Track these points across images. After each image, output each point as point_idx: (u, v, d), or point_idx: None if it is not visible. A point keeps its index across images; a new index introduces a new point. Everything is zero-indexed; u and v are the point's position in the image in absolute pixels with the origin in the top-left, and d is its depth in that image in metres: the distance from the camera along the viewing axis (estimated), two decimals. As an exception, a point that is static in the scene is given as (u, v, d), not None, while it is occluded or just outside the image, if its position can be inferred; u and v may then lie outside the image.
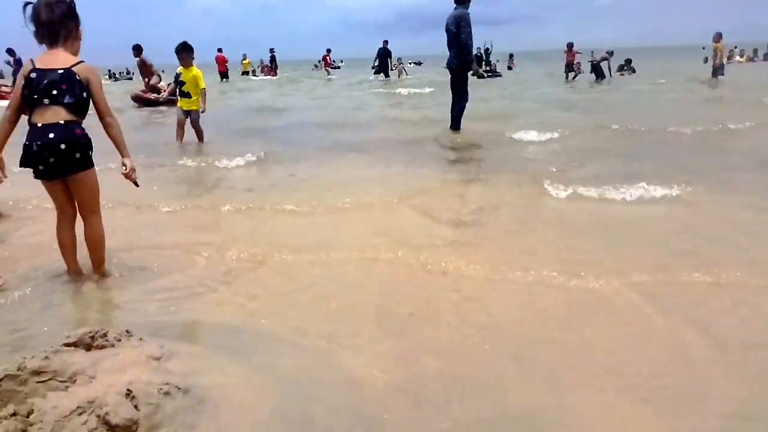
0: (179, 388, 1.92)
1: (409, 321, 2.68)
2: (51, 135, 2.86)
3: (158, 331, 2.54)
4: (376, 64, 26.19)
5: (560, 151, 7.00)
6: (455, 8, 8.19)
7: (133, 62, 15.13)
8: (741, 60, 31.81)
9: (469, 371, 2.23)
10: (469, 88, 8.67)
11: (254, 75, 32.72)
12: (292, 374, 2.21)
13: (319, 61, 37.90)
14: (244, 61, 34.07)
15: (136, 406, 1.77)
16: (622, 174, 5.35)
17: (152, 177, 5.79)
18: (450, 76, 8.63)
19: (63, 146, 2.88)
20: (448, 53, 8.43)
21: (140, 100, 14.59)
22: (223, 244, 3.75)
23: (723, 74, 17.91)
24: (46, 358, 1.97)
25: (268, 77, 31.23)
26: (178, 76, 8.18)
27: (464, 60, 8.30)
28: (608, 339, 2.46)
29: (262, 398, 2.02)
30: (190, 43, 8.01)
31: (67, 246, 3.19)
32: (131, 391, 1.80)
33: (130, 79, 35.11)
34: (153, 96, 14.48)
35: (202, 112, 8.09)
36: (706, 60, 25.69)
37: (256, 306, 2.88)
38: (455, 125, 8.71)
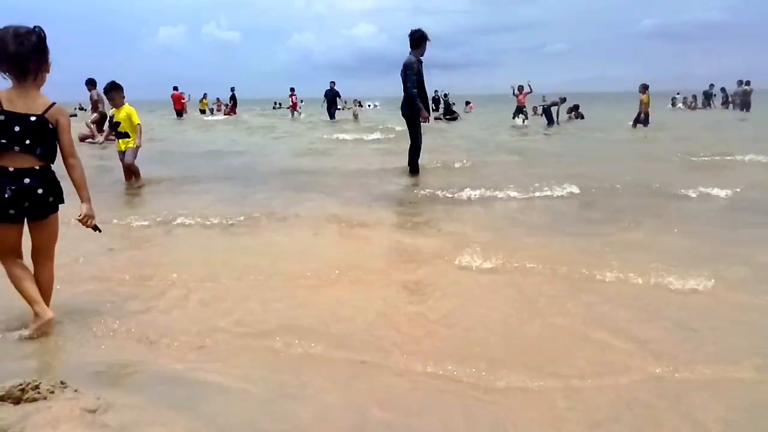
0: (114, 444, 1.82)
1: (361, 368, 2.64)
2: (27, 180, 2.80)
3: (96, 381, 2.42)
4: (324, 106, 25.73)
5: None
6: (409, 53, 8.38)
7: (84, 96, 14.95)
8: (682, 107, 32.34)
9: (417, 422, 2.20)
10: (423, 133, 8.83)
11: (211, 113, 32.61)
12: (238, 428, 2.13)
13: (277, 104, 37.34)
14: (203, 100, 34.07)
15: (66, 465, 1.67)
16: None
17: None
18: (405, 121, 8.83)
19: (40, 191, 2.83)
20: None
21: (85, 139, 14.36)
22: (162, 284, 3.65)
23: (647, 124, 18.56)
24: (-30, 413, 1.84)
25: (227, 116, 31.16)
26: (111, 117, 8.07)
27: (412, 106, 8.44)
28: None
29: (203, 454, 1.94)
30: (118, 82, 7.91)
31: (28, 279, 2.96)
32: (62, 449, 1.70)
33: (74, 115, 34.32)
34: (90, 139, 14.29)
35: (138, 146, 7.96)
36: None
37: (200, 354, 2.78)
38: (413, 169, 8.83)
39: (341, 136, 16.48)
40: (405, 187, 7.80)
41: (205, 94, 34.58)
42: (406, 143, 9.05)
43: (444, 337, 2.98)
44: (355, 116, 26.63)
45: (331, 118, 25.06)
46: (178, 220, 5.59)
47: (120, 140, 7.96)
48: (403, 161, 9.10)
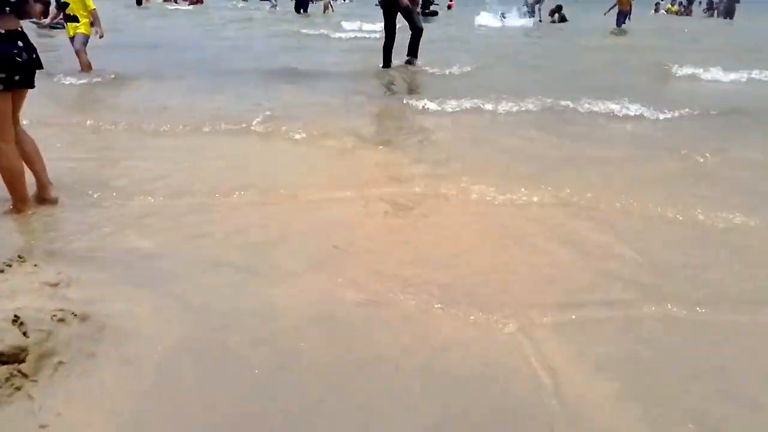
0: (75, 315, 1.77)
1: (333, 253, 2.60)
2: (20, 43, 2.61)
3: (57, 258, 2.33)
4: None
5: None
6: None
7: None
8: (671, 9, 29.16)
9: (387, 303, 2.20)
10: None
11: (176, 3, 30.44)
12: (204, 304, 2.09)
13: None
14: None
15: (24, 333, 1.61)
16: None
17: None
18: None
19: (34, 55, 2.71)
20: None
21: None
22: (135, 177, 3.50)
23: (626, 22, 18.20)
24: None
25: (194, 5, 29.20)
26: None
27: None
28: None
29: (171, 328, 1.90)
30: None
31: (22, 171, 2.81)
32: (18, 318, 1.64)
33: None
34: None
35: (101, 37, 7.19)
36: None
37: (168, 237, 2.69)
38: (387, 63, 8.23)
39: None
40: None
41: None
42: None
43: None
44: (326, 8, 24.59)
45: (299, 11, 22.65)
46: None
47: (69, 24, 7.06)
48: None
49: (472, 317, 2.10)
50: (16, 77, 2.58)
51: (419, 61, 8.27)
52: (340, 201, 3.22)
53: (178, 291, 2.17)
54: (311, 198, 3.24)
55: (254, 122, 4.73)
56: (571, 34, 15.83)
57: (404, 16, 7.98)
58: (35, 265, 2.08)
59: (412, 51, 8.30)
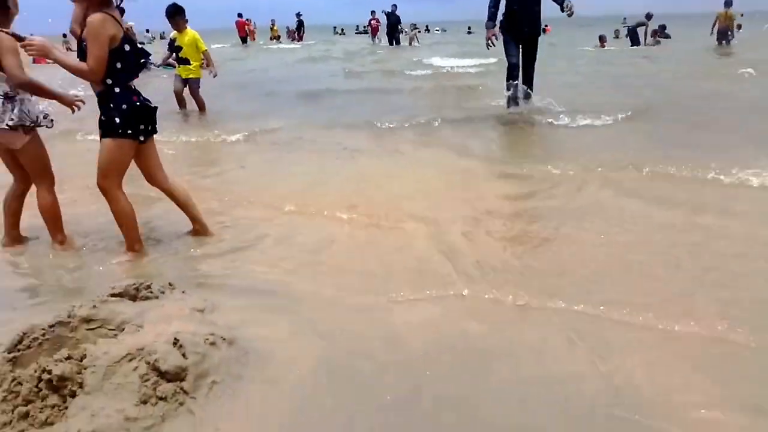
0: (224, 339, 1.94)
1: (450, 282, 2.65)
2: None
3: (199, 286, 2.56)
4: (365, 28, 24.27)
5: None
6: None
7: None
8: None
9: (509, 335, 2.21)
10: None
11: (279, 41, 32.36)
12: (334, 330, 2.21)
13: (364, 27, 35.27)
14: (272, 27, 33.70)
15: (183, 355, 1.79)
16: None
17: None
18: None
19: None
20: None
21: None
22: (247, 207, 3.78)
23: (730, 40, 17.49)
24: (95, 307, 2.00)
25: (294, 42, 30.95)
26: (172, 41, 7.58)
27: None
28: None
29: (306, 352, 2.03)
30: (181, 4, 7.25)
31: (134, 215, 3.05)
32: (178, 341, 1.82)
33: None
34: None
35: (214, 76, 7.63)
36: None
37: (291, 266, 2.87)
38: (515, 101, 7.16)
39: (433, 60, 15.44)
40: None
41: (272, 21, 34.18)
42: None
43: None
44: (411, 41, 25.13)
45: (391, 44, 23.75)
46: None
47: (181, 66, 7.54)
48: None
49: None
50: (142, 126, 2.81)
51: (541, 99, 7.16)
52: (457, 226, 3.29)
53: (309, 316, 2.31)
54: (427, 223, 3.34)
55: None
56: (692, 57, 14.62)
57: (525, 48, 6.85)
58: (183, 292, 2.29)
59: (527, 80, 7.05)
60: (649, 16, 20.27)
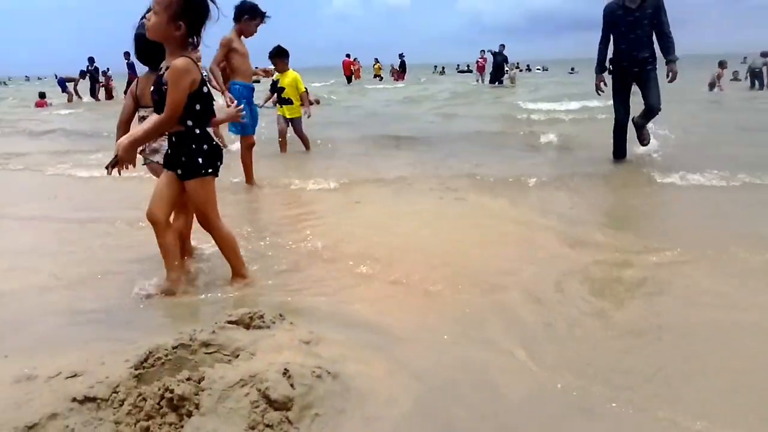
0: (329, 373, 2.01)
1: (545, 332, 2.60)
2: None
3: (304, 317, 2.68)
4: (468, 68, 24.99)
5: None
6: None
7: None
8: None
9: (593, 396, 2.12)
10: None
11: (381, 80, 33.54)
12: (431, 373, 2.23)
13: (468, 66, 35.79)
14: (375, 66, 35.19)
15: (292, 385, 1.88)
16: None
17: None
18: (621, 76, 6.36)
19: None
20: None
21: None
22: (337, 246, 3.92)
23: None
24: (213, 332, 2.16)
25: (396, 81, 31.95)
26: (275, 82, 7.96)
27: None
28: None
29: (405, 393, 2.06)
30: (284, 47, 7.78)
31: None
32: (288, 371, 1.92)
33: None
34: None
35: (308, 116, 7.95)
36: None
37: (385, 306, 2.94)
38: (621, 152, 6.71)
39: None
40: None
41: (376, 59, 35.69)
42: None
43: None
44: (512, 80, 25.36)
45: (492, 83, 24.25)
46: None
47: (283, 106, 7.92)
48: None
49: None
50: (219, 163, 2.97)
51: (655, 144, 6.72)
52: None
53: (405, 357, 2.35)
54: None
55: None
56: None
57: (641, 85, 6.27)
58: (291, 323, 2.41)
59: (642, 129, 6.48)
60: (765, 54, 18.90)
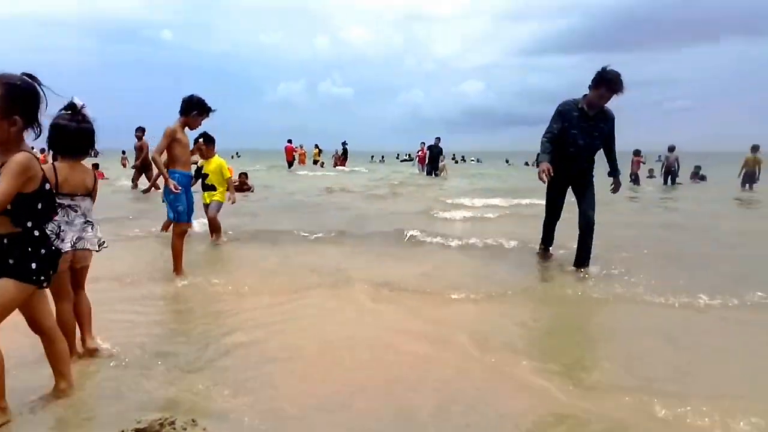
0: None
1: None
2: None
3: (220, 423, 2.60)
4: (426, 162, 25.93)
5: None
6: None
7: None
8: None
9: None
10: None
11: (321, 165, 34.22)
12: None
13: (408, 156, 36.24)
14: (315, 151, 35.99)
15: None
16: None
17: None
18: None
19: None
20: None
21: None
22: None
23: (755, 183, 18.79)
24: (120, 442, 2.07)
25: (337, 167, 32.70)
26: (199, 169, 7.87)
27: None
28: None
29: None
30: (211, 134, 7.68)
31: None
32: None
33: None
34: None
35: (232, 203, 7.79)
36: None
37: (314, 400, 2.89)
38: (548, 242, 6.72)
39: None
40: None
41: (316, 145, 36.53)
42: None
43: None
44: (442, 170, 25.92)
45: (429, 175, 25.07)
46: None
47: (205, 192, 7.78)
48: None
49: None
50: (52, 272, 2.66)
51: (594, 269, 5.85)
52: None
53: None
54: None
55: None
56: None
57: (580, 191, 6.09)
58: (204, 429, 2.35)
59: (582, 257, 5.90)
60: (671, 148, 20.95)
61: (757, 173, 18.78)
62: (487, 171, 33.70)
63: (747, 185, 18.67)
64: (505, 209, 12.08)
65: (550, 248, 6.66)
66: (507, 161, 46.96)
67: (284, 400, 2.90)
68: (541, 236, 6.70)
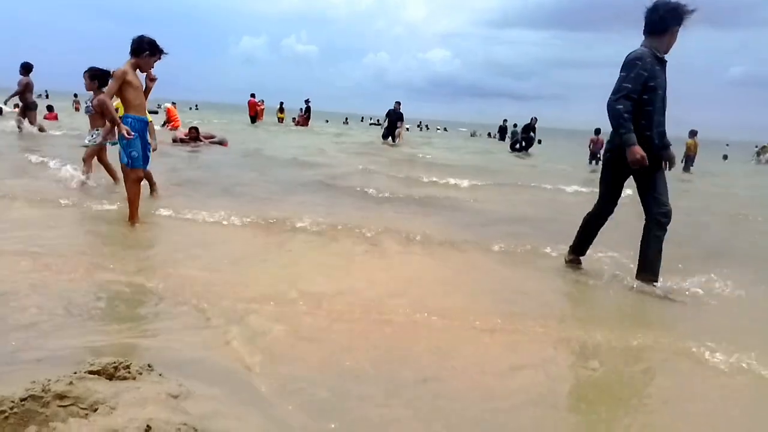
0: (196, 430, 1.92)
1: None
2: None
3: (176, 369, 2.54)
4: (384, 125, 23.74)
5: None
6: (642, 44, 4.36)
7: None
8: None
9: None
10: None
11: (281, 122, 33.52)
12: (304, 426, 2.20)
13: (378, 121, 34.01)
14: (279, 111, 35.12)
15: (154, 443, 1.78)
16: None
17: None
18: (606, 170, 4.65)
19: None
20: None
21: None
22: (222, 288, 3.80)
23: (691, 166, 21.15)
24: (71, 383, 1.99)
25: (299, 126, 32.08)
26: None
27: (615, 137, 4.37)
28: None
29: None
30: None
31: None
32: (150, 428, 1.81)
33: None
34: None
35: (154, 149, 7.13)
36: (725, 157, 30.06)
37: (267, 357, 2.86)
38: (581, 249, 4.95)
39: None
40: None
41: (281, 103, 35.72)
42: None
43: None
44: (398, 137, 23.59)
45: (384, 139, 23.10)
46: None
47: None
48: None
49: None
50: None
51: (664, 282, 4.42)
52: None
53: (280, 413, 2.29)
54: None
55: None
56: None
57: (641, 184, 4.49)
58: (160, 375, 2.29)
59: (650, 264, 4.40)
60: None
61: (693, 157, 21.17)
62: (455, 144, 33.72)
63: (686, 168, 20.63)
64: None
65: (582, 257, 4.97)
66: (472, 134, 47.10)
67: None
68: (576, 237, 4.93)
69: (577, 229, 4.92)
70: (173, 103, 22.31)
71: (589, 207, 4.86)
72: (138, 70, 5.43)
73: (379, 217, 6.86)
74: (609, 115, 4.28)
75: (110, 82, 5.31)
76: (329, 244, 5.34)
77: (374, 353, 3.00)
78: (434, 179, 11.07)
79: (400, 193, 8.92)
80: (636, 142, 4.18)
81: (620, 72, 4.26)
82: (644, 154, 4.16)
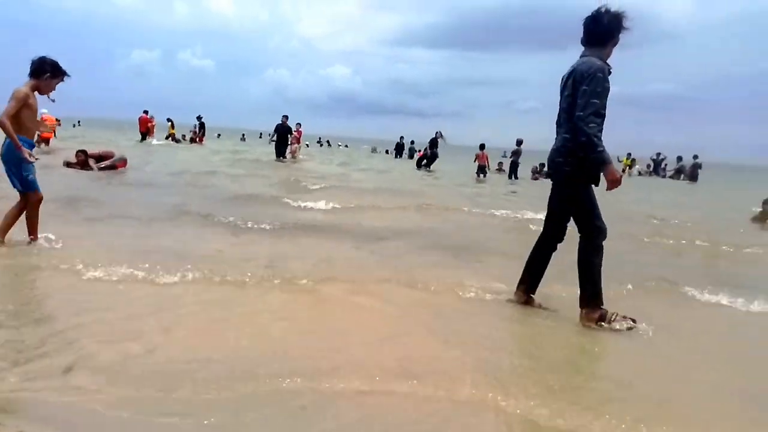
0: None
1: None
2: None
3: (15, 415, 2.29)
4: (274, 139, 21.88)
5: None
6: (586, 53, 3.99)
7: None
8: (639, 174, 32.14)
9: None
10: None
11: (176, 141, 31.39)
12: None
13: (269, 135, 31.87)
14: (169, 125, 32.57)
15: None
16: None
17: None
18: (554, 190, 4.25)
19: None
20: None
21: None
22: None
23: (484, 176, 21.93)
24: None
25: (193, 143, 30.44)
26: None
27: (585, 154, 3.88)
28: None
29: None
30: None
31: None
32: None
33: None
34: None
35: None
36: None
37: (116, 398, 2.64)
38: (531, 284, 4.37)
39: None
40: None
41: (169, 119, 32.62)
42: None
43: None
44: (293, 155, 22.82)
45: (278, 157, 21.42)
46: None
47: None
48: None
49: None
50: None
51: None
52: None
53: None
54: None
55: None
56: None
57: (577, 215, 4.10)
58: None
59: (591, 295, 3.98)
60: (519, 142, 22.76)
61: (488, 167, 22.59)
62: (356, 159, 33.21)
63: (481, 175, 21.82)
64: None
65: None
66: (373, 149, 47.13)
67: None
68: (524, 268, 4.38)
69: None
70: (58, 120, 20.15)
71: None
72: (37, 92, 5.17)
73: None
74: (580, 133, 3.79)
75: (10, 102, 5.00)
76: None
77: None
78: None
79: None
80: (611, 161, 3.83)
81: (582, 85, 3.81)
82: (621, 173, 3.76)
